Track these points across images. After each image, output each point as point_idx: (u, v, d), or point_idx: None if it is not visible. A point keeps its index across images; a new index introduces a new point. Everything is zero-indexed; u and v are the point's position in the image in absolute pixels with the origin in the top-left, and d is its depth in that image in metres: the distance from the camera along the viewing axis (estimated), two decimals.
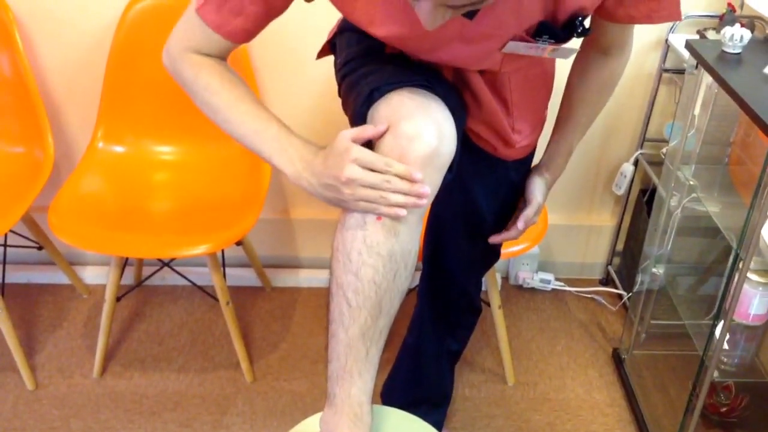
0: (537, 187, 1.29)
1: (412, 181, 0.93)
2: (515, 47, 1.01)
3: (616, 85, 1.24)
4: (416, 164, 0.93)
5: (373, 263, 0.96)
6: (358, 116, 1.04)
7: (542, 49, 1.01)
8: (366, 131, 0.95)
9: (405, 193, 0.94)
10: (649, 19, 1.02)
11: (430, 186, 0.95)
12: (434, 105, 0.97)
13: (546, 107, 1.27)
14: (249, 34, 1.05)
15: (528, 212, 1.28)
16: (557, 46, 1.02)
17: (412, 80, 1.02)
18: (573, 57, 1.20)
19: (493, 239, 1.32)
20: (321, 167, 0.97)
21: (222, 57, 1.09)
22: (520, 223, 1.28)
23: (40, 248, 2.07)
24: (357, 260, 0.96)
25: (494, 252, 1.40)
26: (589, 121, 1.28)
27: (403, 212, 0.94)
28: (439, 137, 0.94)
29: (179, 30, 1.09)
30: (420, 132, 0.93)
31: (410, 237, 0.99)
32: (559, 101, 1.30)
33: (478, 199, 1.26)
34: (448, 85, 1.11)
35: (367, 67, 1.10)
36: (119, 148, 1.92)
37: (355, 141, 0.95)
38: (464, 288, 1.44)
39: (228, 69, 1.08)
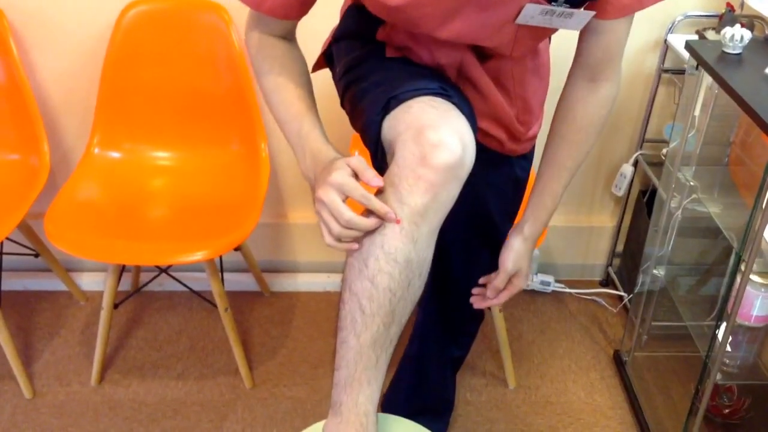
0: (508, 253, 1.27)
1: (386, 219, 0.94)
2: (531, 12, 0.99)
3: (603, 122, 1.19)
4: (438, 172, 0.92)
5: (390, 270, 0.95)
6: (371, 125, 1.02)
7: (557, 15, 1.00)
8: (366, 173, 0.95)
9: (352, 235, 0.95)
10: (640, 4, 1.03)
11: (449, 196, 0.95)
12: (455, 114, 0.97)
13: (544, 98, 1.27)
14: (290, 9, 1.07)
15: (496, 282, 1.28)
16: (572, 11, 1.00)
17: (429, 88, 1.01)
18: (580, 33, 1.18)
19: (477, 303, 1.33)
20: (317, 175, 1.00)
21: (284, 35, 1.13)
22: (489, 293, 1.30)
23: (36, 255, 2.05)
24: (373, 266, 0.95)
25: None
26: (574, 165, 1.22)
27: (332, 242, 0.97)
28: (463, 148, 0.93)
29: (248, 12, 1.13)
30: (445, 141, 0.92)
31: (427, 245, 0.98)
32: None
33: (487, 200, 1.26)
34: (461, 92, 1.11)
35: (375, 76, 1.09)
36: (115, 154, 1.91)
37: (354, 170, 0.96)
38: (469, 294, 1.42)
39: (283, 52, 1.12)
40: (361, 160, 0.96)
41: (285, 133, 1.10)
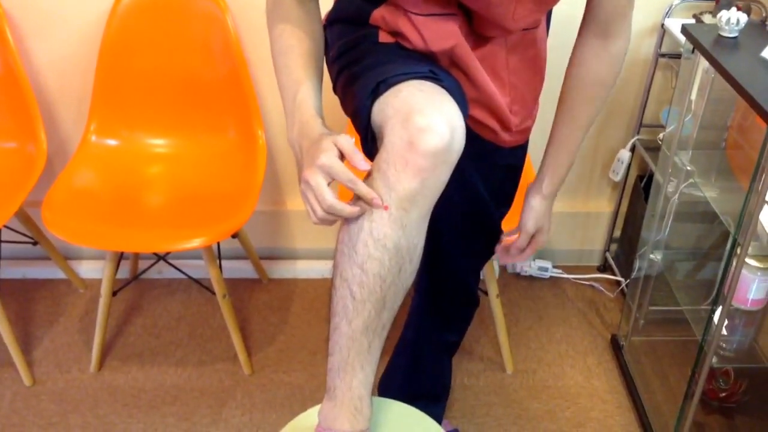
0: (529, 213, 1.32)
1: (372, 204, 0.93)
2: None
3: (616, 77, 1.21)
4: (426, 157, 0.91)
5: (380, 256, 0.95)
6: (361, 109, 1.02)
7: None
8: (354, 156, 0.94)
9: (332, 218, 0.96)
10: None
11: (438, 181, 0.94)
12: (444, 98, 0.96)
13: (539, 92, 1.26)
14: None
15: (518, 243, 1.34)
16: None
17: (419, 71, 1.00)
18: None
19: (502, 259, 1.37)
20: (304, 150, 0.99)
21: None
22: (513, 251, 1.35)
23: (35, 243, 2.06)
24: (363, 253, 0.95)
25: (495, 241, 1.40)
26: (589, 120, 1.25)
27: (317, 221, 0.97)
28: (452, 132, 0.92)
29: None
30: (433, 126, 0.91)
31: (417, 231, 0.97)
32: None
33: (480, 188, 1.26)
34: (451, 76, 1.10)
35: (366, 60, 1.08)
36: (112, 142, 1.91)
37: (340, 151, 0.95)
38: (463, 280, 1.43)
39: (296, 13, 1.09)
40: (349, 141, 0.95)
41: (282, 99, 1.08)
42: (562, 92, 1.25)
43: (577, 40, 1.21)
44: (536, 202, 1.31)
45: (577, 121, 1.24)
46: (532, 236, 1.34)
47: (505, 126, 1.20)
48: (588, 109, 1.23)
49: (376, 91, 0.99)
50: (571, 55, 1.22)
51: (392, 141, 0.93)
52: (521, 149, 1.29)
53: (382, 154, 0.94)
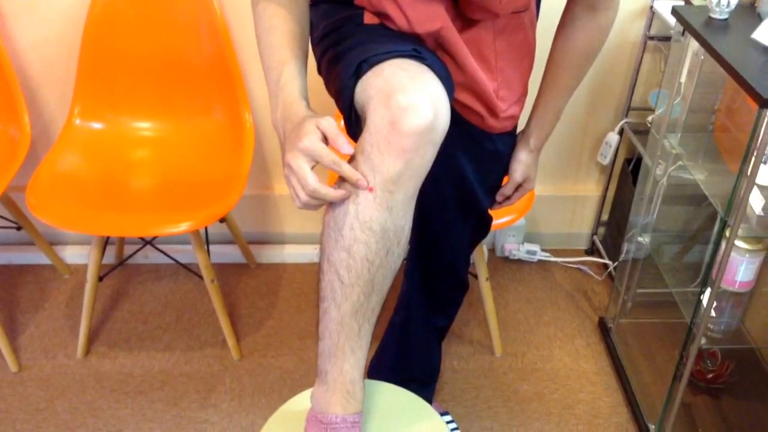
0: (517, 165, 1.33)
1: (357, 186, 0.92)
2: None
3: (602, 46, 1.23)
4: (410, 137, 0.90)
5: (366, 239, 0.94)
6: (345, 89, 1.00)
7: None
8: (338, 139, 0.93)
9: (317, 203, 0.95)
10: None
11: (422, 161, 0.93)
12: (427, 77, 0.95)
13: (528, 78, 1.25)
14: None
15: (505, 190, 1.36)
16: None
17: (402, 50, 0.99)
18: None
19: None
20: (287, 133, 0.98)
21: None
22: (499, 197, 1.36)
23: (19, 228, 2.03)
24: (349, 236, 0.94)
25: (484, 226, 1.39)
26: (576, 83, 1.27)
27: (301, 206, 0.97)
28: (435, 111, 0.91)
29: None
30: (415, 105, 0.90)
31: (404, 213, 0.97)
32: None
33: (465, 170, 1.25)
34: (435, 55, 1.09)
35: (350, 40, 1.07)
36: (97, 125, 1.88)
37: (323, 133, 0.93)
38: (453, 265, 1.42)
39: None
40: (332, 124, 0.94)
41: (266, 80, 1.06)
42: (548, 58, 1.26)
43: (565, 11, 1.21)
44: (524, 155, 1.33)
45: (563, 84, 1.27)
46: (519, 184, 1.37)
47: (492, 111, 1.19)
48: (574, 75, 1.26)
49: (359, 71, 0.98)
50: (558, 24, 1.23)
51: (375, 121, 0.91)
52: (509, 136, 1.28)
53: (365, 136, 0.93)
